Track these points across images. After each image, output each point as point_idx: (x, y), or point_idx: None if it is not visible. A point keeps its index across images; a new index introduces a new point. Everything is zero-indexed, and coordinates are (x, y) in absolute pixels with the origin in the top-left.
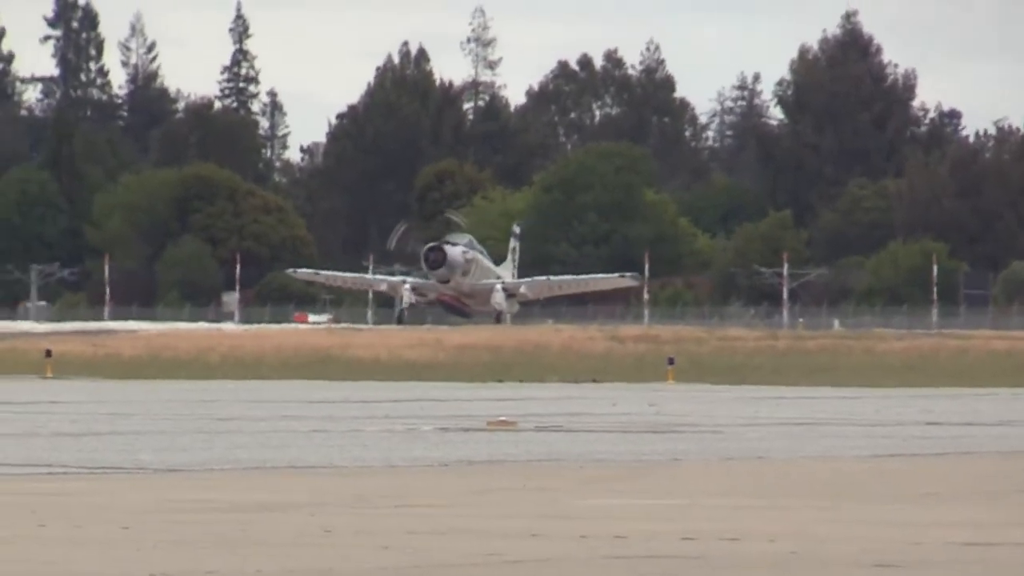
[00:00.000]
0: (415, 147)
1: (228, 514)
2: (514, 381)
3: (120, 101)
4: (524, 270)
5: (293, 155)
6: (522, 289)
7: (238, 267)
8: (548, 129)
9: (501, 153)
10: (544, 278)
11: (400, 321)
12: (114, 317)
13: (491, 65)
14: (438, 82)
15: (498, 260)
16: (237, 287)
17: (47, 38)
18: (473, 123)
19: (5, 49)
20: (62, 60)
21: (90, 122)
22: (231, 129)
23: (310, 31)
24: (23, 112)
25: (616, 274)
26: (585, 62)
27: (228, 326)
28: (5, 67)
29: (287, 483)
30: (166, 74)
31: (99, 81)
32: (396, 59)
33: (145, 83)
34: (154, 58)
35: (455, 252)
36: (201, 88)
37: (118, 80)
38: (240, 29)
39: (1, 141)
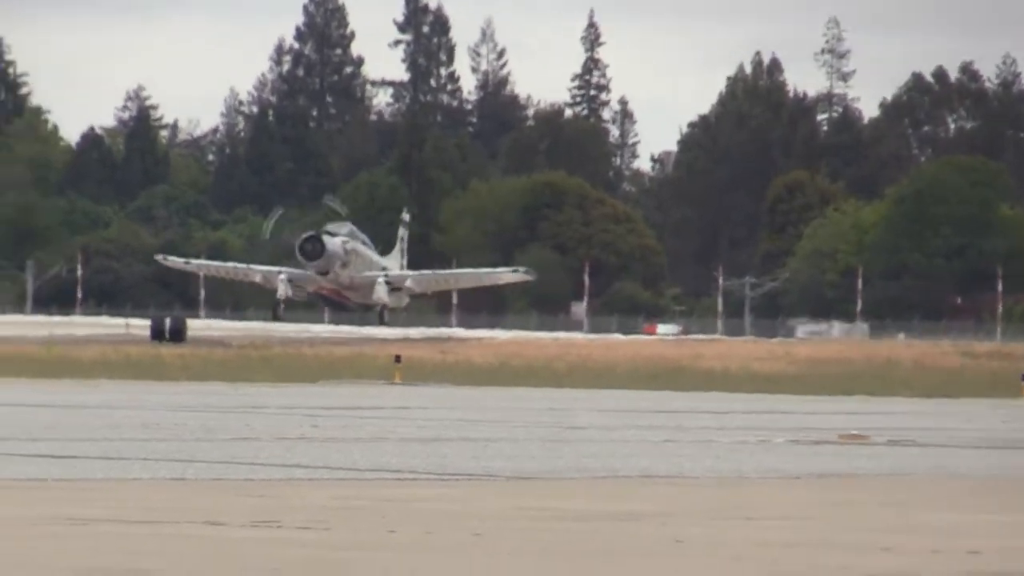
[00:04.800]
0: (766, 158)
1: (578, 523)
2: (864, 395)
3: (470, 107)
4: (870, 280)
5: (643, 164)
6: (408, 283)
7: (587, 276)
8: (901, 141)
9: (853, 165)
10: (431, 271)
11: (276, 316)
12: (462, 324)
13: (844, 77)
14: (791, 93)
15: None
16: (586, 296)
17: (397, 43)
18: (826, 135)
19: (355, 53)
20: (412, 65)
21: (439, 127)
22: (581, 137)
23: (661, 40)
24: (372, 116)
25: (509, 269)
26: (940, 75)
27: (577, 336)
28: (355, 71)
29: (638, 493)
30: (516, 80)
31: (449, 87)
32: (748, 69)
33: (495, 89)
34: (504, 64)
35: (334, 243)
36: (551, 95)
37: (468, 86)
38: (592, 37)
39: (351, 145)
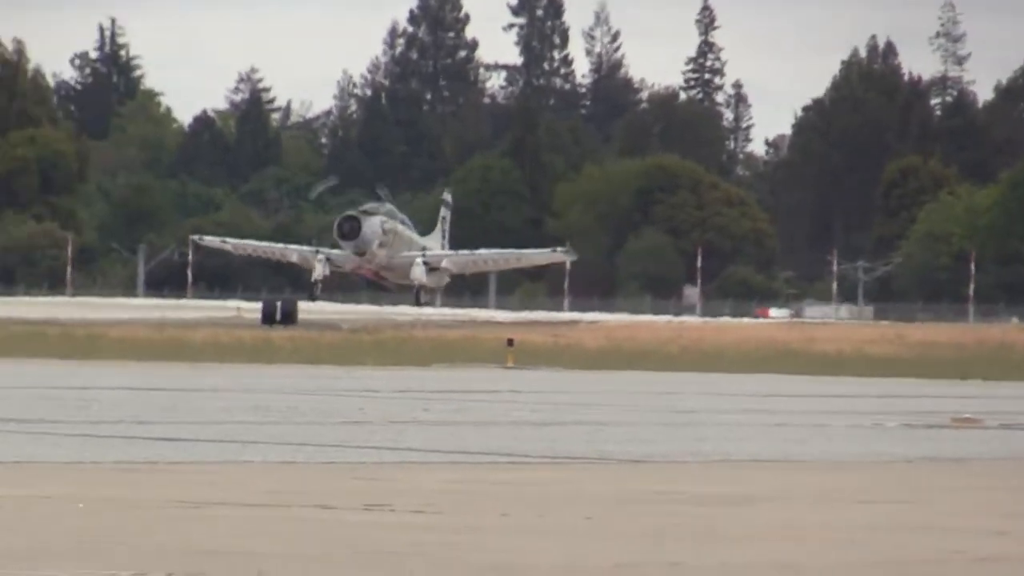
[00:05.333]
0: (881, 142)
1: (691, 506)
2: (977, 379)
3: (583, 90)
4: (982, 264)
5: (756, 148)
6: (444, 263)
7: (699, 259)
8: (1016, 125)
9: (968, 150)
10: (468, 252)
11: (313, 297)
12: (574, 308)
13: (959, 60)
14: (905, 77)
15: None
16: (699, 280)
17: (511, 26)
18: (940, 119)
19: (469, 36)
20: (526, 48)
21: (552, 111)
22: (695, 120)
23: (775, 23)
24: (486, 99)
25: (548, 249)
26: None
27: (689, 319)
28: (469, 54)
29: (750, 476)
30: (630, 64)
31: (563, 70)
32: (862, 53)
33: (609, 73)
34: (618, 47)
35: (371, 223)
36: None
37: (581, 69)
38: (706, 20)
39: (464, 128)
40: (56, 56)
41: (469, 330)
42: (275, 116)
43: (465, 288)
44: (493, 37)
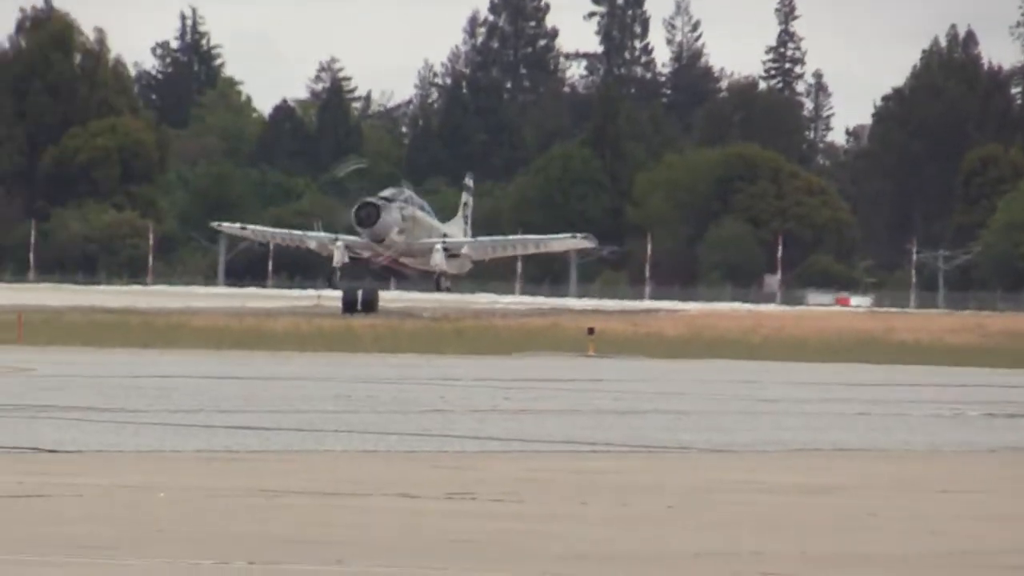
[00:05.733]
0: (961, 131)
1: (772, 495)
2: None
3: (664, 79)
4: None
5: (837, 137)
6: (464, 250)
7: (780, 248)
8: None
9: None
10: (488, 238)
11: (332, 285)
12: (655, 296)
13: None
14: (985, 66)
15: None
16: (779, 269)
17: (591, 15)
18: (1020, 108)
19: (549, 25)
20: (606, 37)
21: (633, 100)
22: (775, 109)
23: (855, 13)
24: (566, 88)
25: (568, 235)
26: None
27: (769, 308)
28: (549, 43)
29: (831, 465)
30: (710, 53)
31: (643, 59)
32: (943, 42)
33: (689, 62)
34: (699, 37)
35: (390, 209)
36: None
37: (662, 58)
38: (786, 10)
39: (544, 117)
40: (137, 46)
41: (550, 318)
42: (356, 105)
43: (545, 276)
44: (574, 26)
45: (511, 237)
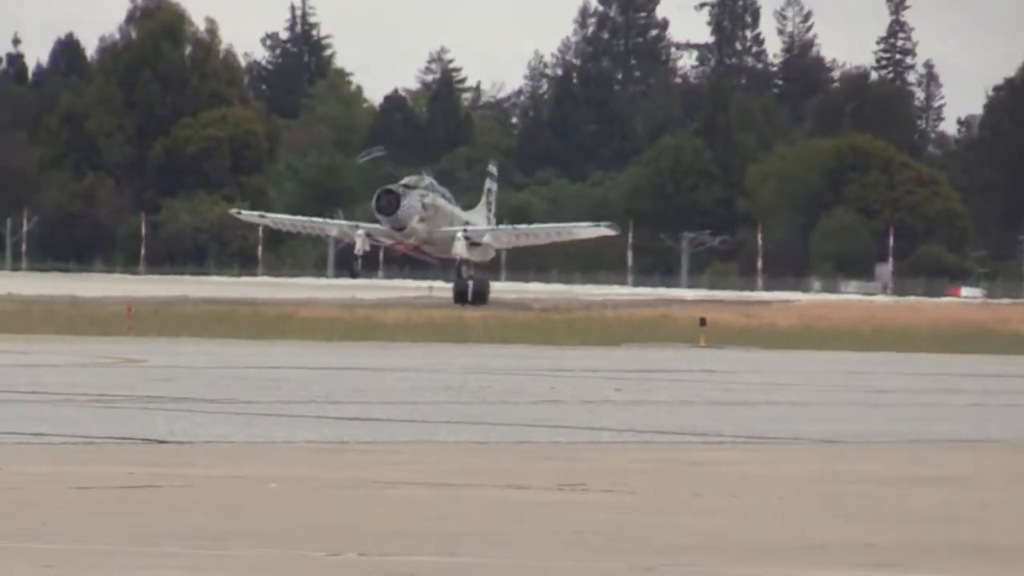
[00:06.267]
0: None
1: (884, 487)
2: None
3: (775, 70)
4: None
5: (948, 127)
6: (486, 238)
7: (891, 239)
8: None
9: None
10: (511, 227)
11: (354, 273)
12: (766, 287)
13: None
14: None
15: None
16: (890, 259)
17: (702, 5)
18: None
19: (660, 15)
20: (717, 27)
21: (744, 90)
22: (886, 100)
23: (966, 3)
24: (676, 79)
25: (592, 224)
26: None
27: (881, 298)
28: (660, 33)
29: (944, 456)
30: (821, 43)
31: (754, 49)
32: None
33: (800, 52)
34: (810, 27)
35: (411, 197)
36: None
37: (773, 49)
38: (897, 0)
39: (655, 107)
40: (247, 36)
41: (660, 309)
42: (466, 96)
43: (656, 267)
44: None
45: (535, 226)
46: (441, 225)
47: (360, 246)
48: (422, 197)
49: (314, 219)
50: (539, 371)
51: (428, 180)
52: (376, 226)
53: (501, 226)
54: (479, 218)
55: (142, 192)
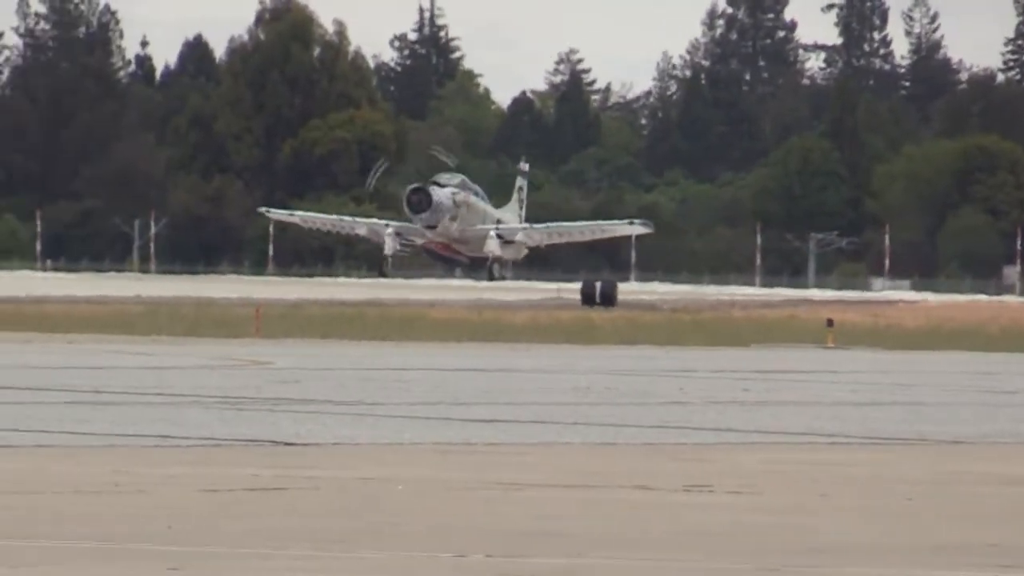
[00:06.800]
0: None
1: (1010, 487)
2: None
3: (903, 71)
4: None
5: None
6: (519, 236)
7: (1019, 240)
8: None
9: None
10: (543, 225)
11: (383, 273)
12: (890, 288)
13: None
14: None
15: None
16: (1018, 260)
17: (830, 7)
18: None
19: (788, 17)
20: (845, 29)
21: (872, 92)
22: (1014, 101)
23: None
24: (804, 80)
25: (626, 221)
26: None
27: (1009, 299)
28: (788, 35)
29: None
30: (949, 44)
31: (882, 51)
32: None
33: (928, 53)
34: (937, 28)
35: (442, 194)
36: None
37: (901, 50)
38: None
39: (783, 108)
40: (376, 38)
41: (788, 310)
42: (595, 97)
43: (784, 267)
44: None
45: (567, 224)
46: (474, 223)
47: (390, 245)
48: (454, 195)
49: (344, 217)
50: (666, 372)
51: (461, 178)
52: (407, 224)
53: (536, 225)
54: (511, 216)
55: (270, 194)
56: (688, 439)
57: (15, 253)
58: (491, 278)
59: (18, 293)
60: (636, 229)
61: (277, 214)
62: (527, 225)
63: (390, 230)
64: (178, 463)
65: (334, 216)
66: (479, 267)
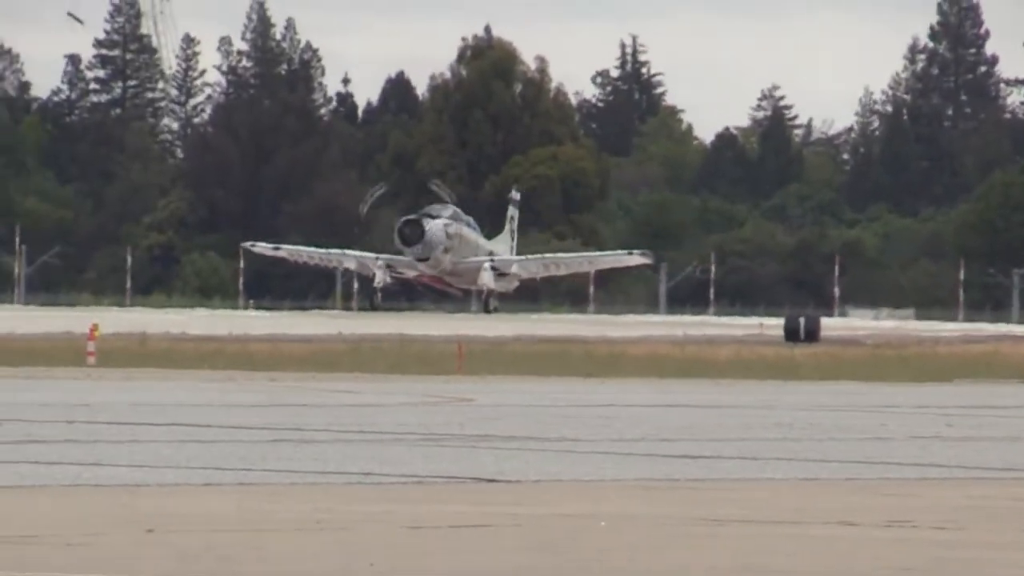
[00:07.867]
0: None
1: None
2: None
3: None
4: None
5: None
6: (514, 268)
7: None
8: None
9: None
10: (538, 256)
11: (373, 306)
12: None
13: None
14: None
15: None
16: None
17: None
18: None
19: (989, 52)
20: None
21: None
22: None
23: None
24: (1007, 115)
25: (623, 252)
26: None
27: None
28: (989, 70)
29: None
30: None
31: None
32: None
33: None
34: None
35: (435, 226)
36: None
37: None
38: None
39: (984, 143)
40: (578, 74)
41: (991, 345)
42: (797, 133)
43: (986, 302)
44: (1014, 52)
45: (561, 255)
46: (466, 255)
47: (380, 278)
48: (446, 227)
49: (331, 251)
50: (869, 407)
51: (453, 209)
52: (398, 257)
53: (530, 256)
54: (503, 247)
55: None
56: (890, 474)
57: (217, 291)
58: (487, 310)
59: (221, 331)
60: (635, 260)
61: (262, 248)
62: (522, 257)
63: (380, 263)
64: (381, 500)
65: (322, 250)
66: (470, 297)
